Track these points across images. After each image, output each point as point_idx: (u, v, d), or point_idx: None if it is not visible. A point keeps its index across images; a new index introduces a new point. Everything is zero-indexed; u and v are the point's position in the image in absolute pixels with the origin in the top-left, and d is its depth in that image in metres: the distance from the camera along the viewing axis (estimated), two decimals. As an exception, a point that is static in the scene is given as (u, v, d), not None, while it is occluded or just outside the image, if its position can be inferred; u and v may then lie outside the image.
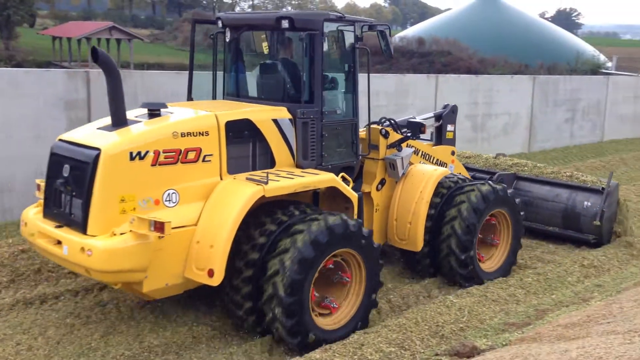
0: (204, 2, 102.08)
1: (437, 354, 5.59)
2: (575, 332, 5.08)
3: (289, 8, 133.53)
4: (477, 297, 7.16)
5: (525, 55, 49.31)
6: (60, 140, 6.26)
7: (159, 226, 5.46)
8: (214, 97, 7.63)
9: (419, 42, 49.00)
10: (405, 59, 46.25)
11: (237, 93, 7.55)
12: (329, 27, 6.98)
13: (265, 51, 7.53)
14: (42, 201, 6.30)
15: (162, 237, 5.55)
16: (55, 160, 6.10)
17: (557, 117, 18.11)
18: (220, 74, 7.63)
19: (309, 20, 6.76)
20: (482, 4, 63.95)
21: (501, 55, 48.84)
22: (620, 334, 4.33)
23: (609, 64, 49.66)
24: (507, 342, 5.47)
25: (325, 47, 6.97)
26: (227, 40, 7.40)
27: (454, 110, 9.15)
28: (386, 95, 13.76)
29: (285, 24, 6.73)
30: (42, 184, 6.33)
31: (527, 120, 17.24)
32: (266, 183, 6.03)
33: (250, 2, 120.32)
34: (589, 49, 55.06)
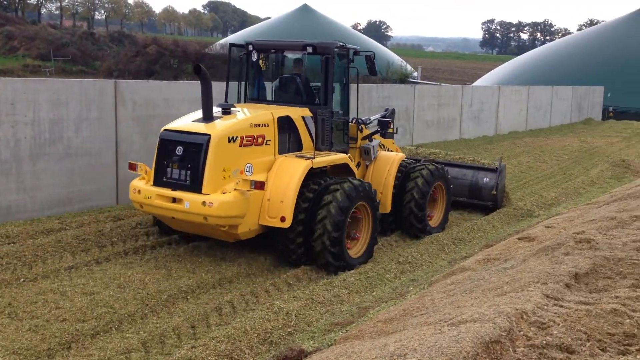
0: (5, 2, 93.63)
1: (266, 361, 5.61)
2: (394, 326, 5.34)
3: (102, 11, 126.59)
4: (303, 301, 7.30)
5: (341, 65, 51.52)
6: (166, 130, 8.49)
7: (259, 185, 7.97)
8: (238, 101, 9.81)
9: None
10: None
11: (258, 98, 10.07)
12: (336, 52, 9.49)
13: (263, 68, 10.06)
14: (145, 175, 8.60)
15: (250, 195, 8.02)
16: (166, 144, 8.34)
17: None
18: (237, 83, 9.91)
19: (326, 47, 9.37)
20: (299, 14, 66.01)
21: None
22: (432, 325, 4.62)
23: (415, 74, 53.88)
24: (332, 342, 5.62)
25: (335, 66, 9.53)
26: (254, 59, 9.79)
27: (393, 112, 12.30)
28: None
29: (309, 49, 9.37)
30: (139, 164, 8.69)
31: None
32: (313, 158, 8.72)
33: (58, 4, 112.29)
34: (397, 59, 59.22)
